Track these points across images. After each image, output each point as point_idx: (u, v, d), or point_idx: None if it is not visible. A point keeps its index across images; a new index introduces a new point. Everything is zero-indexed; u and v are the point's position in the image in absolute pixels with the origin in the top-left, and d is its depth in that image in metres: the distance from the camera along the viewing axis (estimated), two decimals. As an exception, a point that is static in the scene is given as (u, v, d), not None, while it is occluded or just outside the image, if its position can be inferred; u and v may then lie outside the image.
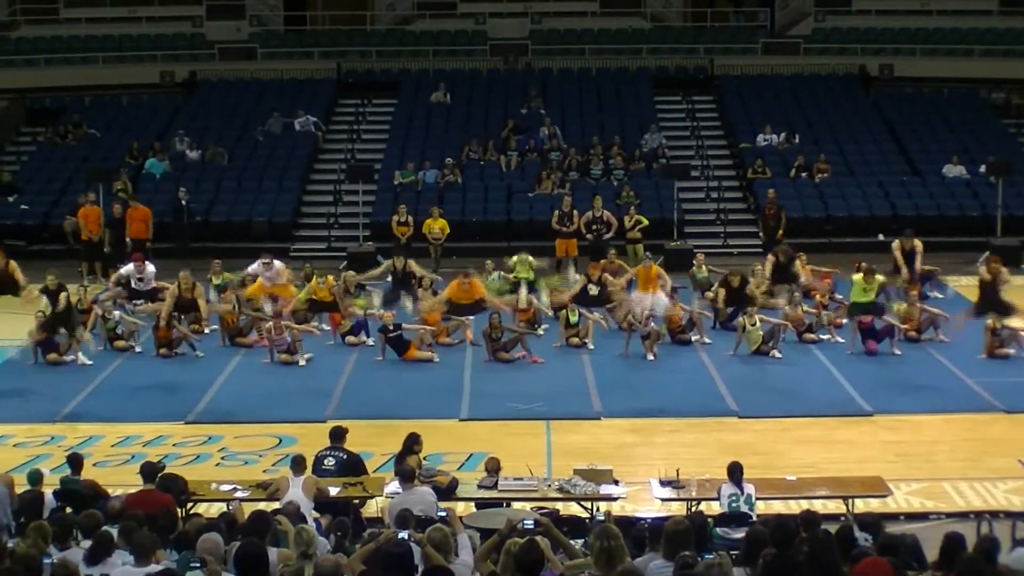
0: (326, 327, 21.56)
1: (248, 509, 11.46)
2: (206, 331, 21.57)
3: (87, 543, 9.77)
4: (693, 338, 20.93)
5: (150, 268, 20.07)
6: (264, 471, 15.12)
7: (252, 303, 21.44)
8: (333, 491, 13.05)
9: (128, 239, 26.22)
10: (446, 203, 29.16)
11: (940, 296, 23.47)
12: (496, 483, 13.30)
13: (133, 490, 12.50)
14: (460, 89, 34.87)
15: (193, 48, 36.59)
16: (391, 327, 20.23)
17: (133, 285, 20.27)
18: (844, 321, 21.19)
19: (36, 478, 12.51)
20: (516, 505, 13.08)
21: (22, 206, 30.06)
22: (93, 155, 31.81)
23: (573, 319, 20.72)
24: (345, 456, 13.94)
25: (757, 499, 12.51)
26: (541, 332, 21.31)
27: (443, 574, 8.60)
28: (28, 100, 35.29)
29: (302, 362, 19.80)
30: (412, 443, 13.91)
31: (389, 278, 22.15)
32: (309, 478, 12.83)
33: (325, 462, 13.80)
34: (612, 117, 33.30)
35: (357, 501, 13.30)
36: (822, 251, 26.22)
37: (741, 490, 12.48)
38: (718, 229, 29.32)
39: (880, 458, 15.71)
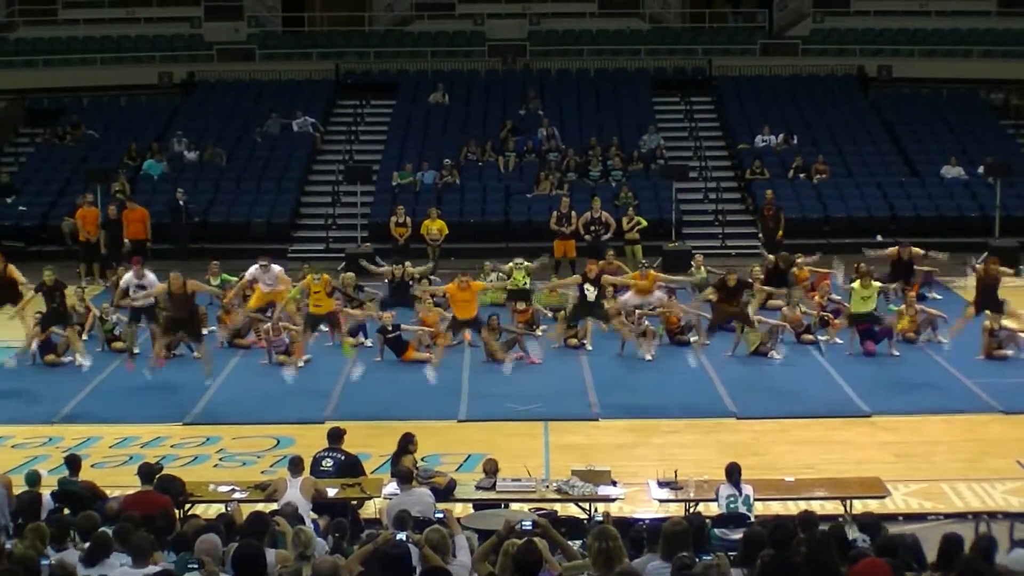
0: (324, 328, 21.52)
1: (246, 510, 11.48)
2: (204, 332, 21.62)
3: (84, 544, 9.77)
4: (691, 339, 20.94)
5: (150, 275, 19.77)
6: (262, 472, 15.11)
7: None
8: (331, 492, 13.05)
9: (126, 240, 26.23)
10: (444, 204, 29.16)
11: (938, 297, 23.48)
12: (494, 484, 13.30)
13: (131, 491, 12.50)
14: (458, 90, 34.88)
15: (191, 49, 36.58)
16: (390, 327, 20.25)
17: (132, 293, 19.93)
18: (842, 322, 21.18)
19: (34, 479, 12.50)
20: (514, 506, 13.08)
21: (20, 207, 30.05)
22: (91, 156, 31.81)
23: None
24: (343, 457, 13.93)
25: (755, 500, 12.50)
26: (540, 333, 21.33)
27: (441, 575, 8.60)
28: (26, 101, 35.29)
29: (300, 363, 19.77)
30: (407, 443, 13.93)
31: (386, 280, 22.11)
32: (307, 479, 12.82)
33: (323, 463, 13.80)
34: (610, 118, 33.31)
35: (355, 502, 13.29)
36: (821, 252, 26.14)
37: (739, 491, 12.48)
38: (716, 230, 29.32)
39: (878, 459, 15.72)
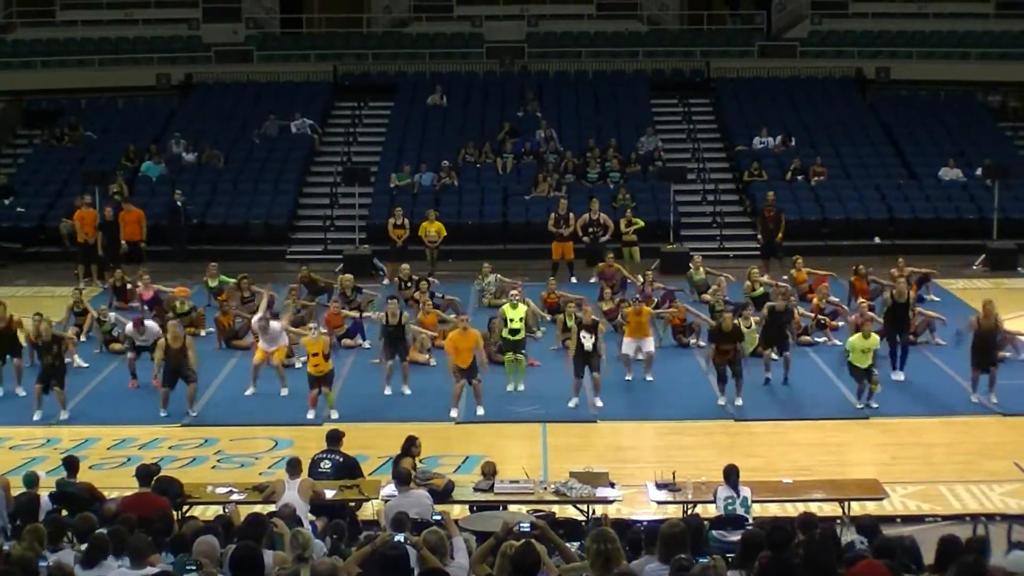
0: (323, 329, 21.50)
1: (244, 512, 11.47)
2: (202, 333, 21.64)
3: (80, 545, 9.76)
4: (691, 341, 20.94)
5: (152, 328, 19.57)
6: (260, 474, 15.13)
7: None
8: (329, 494, 13.05)
9: (123, 241, 26.24)
10: (442, 206, 29.16)
11: (936, 299, 23.49)
12: (492, 486, 13.31)
13: (129, 493, 12.50)
14: (456, 92, 34.87)
15: (189, 51, 36.58)
16: (393, 321, 19.71)
17: (138, 344, 19.75)
18: (840, 324, 21.19)
19: (32, 481, 12.50)
20: (512, 508, 13.09)
21: (18, 208, 30.03)
22: (89, 157, 31.79)
23: (570, 323, 20.56)
24: (341, 459, 13.93)
25: (753, 502, 12.49)
26: (539, 335, 21.34)
27: (439, 577, 8.60)
28: (24, 102, 35.30)
29: (298, 364, 19.74)
30: (410, 446, 13.92)
31: (385, 282, 22.13)
32: (305, 481, 12.83)
33: (321, 465, 13.81)
34: (608, 120, 33.31)
35: (353, 504, 13.30)
36: (818, 254, 26.21)
37: (737, 493, 12.48)
38: (714, 232, 29.29)
39: (876, 461, 15.74)
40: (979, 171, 30.05)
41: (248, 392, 18.73)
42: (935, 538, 9.50)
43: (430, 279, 22.87)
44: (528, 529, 9.57)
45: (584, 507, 13.16)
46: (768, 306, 19.69)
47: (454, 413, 17.77)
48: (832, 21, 37.22)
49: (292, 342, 19.95)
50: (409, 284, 22.91)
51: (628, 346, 19.25)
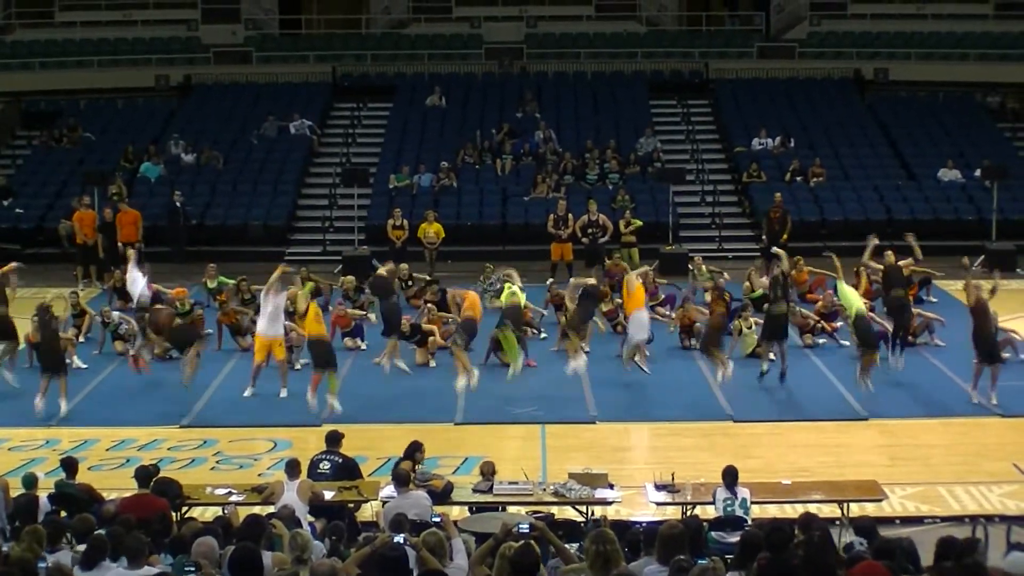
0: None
1: (243, 513, 11.45)
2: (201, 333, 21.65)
3: (79, 546, 9.76)
4: (693, 343, 20.93)
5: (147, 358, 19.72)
6: (259, 475, 15.12)
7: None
8: (328, 495, 13.03)
9: (120, 243, 26.20)
10: (441, 207, 29.17)
11: (934, 301, 23.49)
12: (491, 487, 13.30)
13: (128, 494, 12.49)
14: (455, 93, 34.88)
15: (188, 52, 36.58)
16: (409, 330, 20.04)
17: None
18: (839, 324, 21.19)
19: (31, 482, 12.49)
20: (511, 509, 13.07)
21: (17, 210, 30.04)
22: (88, 159, 31.80)
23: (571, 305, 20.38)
24: (340, 460, 13.92)
25: (752, 503, 12.50)
26: (543, 336, 21.33)
27: (438, 578, 8.60)
28: (23, 103, 35.31)
29: (298, 366, 19.74)
30: (414, 450, 13.83)
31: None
32: (304, 482, 12.82)
33: (320, 466, 13.79)
34: (607, 121, 33.32)
35: (352, 505, 13.29)
36: (818, 255, 26.15)
37: (736, 494, 12.47)
38: (713, 233, 29.32)
39: (875, 462, 15.72)
40: (978, 172, 30.08)
41: (247, 393, 18.73)
42: (934, 540, 9.50)
43: (437, 285, 22.59)
44: (527, 530, 9.57)
45: (583, 508, 13.15)
46: (768, 308, 19.70)
47: (461, 382, 17.90)
48: (831, 22, 37.22)
49: (292, 343, 19.96)
50: (410, 284, 22.88)
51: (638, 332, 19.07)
